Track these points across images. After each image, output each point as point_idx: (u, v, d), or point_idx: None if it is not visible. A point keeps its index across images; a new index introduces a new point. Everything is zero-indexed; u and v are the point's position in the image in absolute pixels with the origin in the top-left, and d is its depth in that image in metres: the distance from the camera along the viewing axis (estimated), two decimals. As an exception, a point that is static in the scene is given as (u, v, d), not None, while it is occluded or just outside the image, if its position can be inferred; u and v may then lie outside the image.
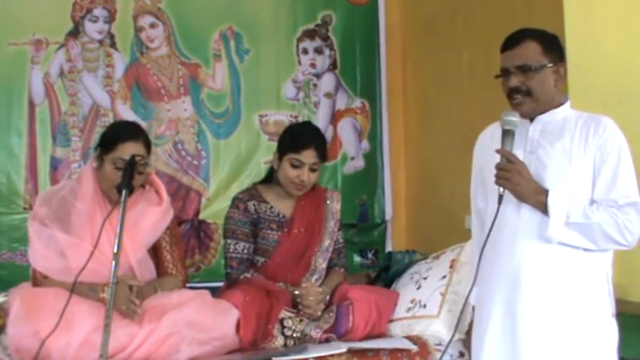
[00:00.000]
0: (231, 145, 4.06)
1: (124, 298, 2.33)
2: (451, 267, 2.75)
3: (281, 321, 2.57)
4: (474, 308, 2.22)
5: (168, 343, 2.33)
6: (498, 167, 1.96)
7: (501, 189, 1.95)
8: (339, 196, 2.93)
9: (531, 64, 2.00)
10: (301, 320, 2.60)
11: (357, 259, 4.18)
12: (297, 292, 2.64)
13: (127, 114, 3.91)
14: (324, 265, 2.82)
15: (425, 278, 2.80)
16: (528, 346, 1.97)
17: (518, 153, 2.01)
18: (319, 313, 2.63)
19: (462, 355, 2.56)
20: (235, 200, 2.84)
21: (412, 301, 2.73)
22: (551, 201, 1.92)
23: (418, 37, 4.13)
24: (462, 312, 2.21)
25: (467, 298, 2.08)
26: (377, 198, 4.25)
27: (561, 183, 1.96)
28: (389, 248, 4.18)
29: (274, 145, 2.91)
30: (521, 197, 1.97)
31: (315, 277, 2.77)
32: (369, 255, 4.22)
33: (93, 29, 3.92)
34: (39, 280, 2.49)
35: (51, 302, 2.30)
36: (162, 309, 2.40)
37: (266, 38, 4.13)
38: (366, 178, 4.25)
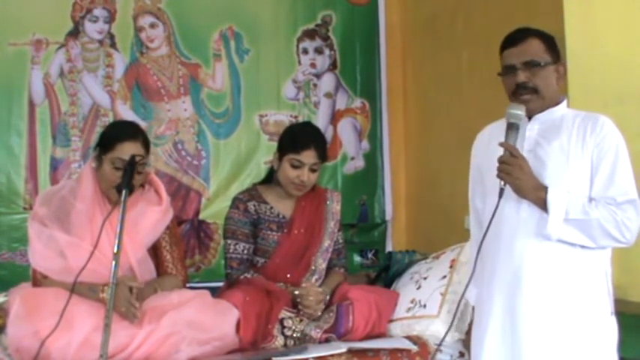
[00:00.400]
0: (231, 145, 4.06)
1: (124, 300, 2.33)
2: (451, 267, 2.75)
3: (281, 321, 2.57)
4: (473, 308, 2.22)
5: (168, 343, 2.33)
6: (501, 160, 1.96)
7: (502, 183, 1.96)
8: (339, 197, 2.94)
9: (539, 60, 2.01)
10: (301, 320, 2.60)
11: (357, 259, 4.18)
12: (297, 292, 2.64)
13: (127, 114, 3.91)
14: (324, 266, 2.82)
15: (425, 278, 2.80)
16: (529, 344, 1.97)
17: None
18: (319, 313, 2.63)
19: (462, 355, 2.56)
20: (235, 201, 2.84)
21: (412, 301, 2.73)
22: (551, 197, 1.93)
23: (418, 37, 4.13)
24: (457, 309, 2.20)
25: (462, 295, 2.08)
26: (377, 198, 4.25)
27: (559, 181, 1.96)
28: (389, 248, 4.18)
29: (274, 145, 2.91)
30: (521, 192, 1.97)
31: (315, 277, 2.77)
32: (369, 255, 4.22)
33: (93, 29, 3.92)
34: (39, 280, 2.49)
35: (51, 302, 2.30)
36: (162, 309, 2.40)
37: (266, 38, 4.12)
38: (366, 178, 4.25)
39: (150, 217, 2.61)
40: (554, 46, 2.07)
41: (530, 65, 2.01)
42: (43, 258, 2.49)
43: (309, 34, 4.21)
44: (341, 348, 2.43)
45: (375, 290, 2.86)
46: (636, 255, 2.42)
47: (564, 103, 2.10)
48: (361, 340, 2.58)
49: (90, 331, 2.26)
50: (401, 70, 4.29)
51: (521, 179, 1.95)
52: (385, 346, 2.50)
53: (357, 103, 4.26)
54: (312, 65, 4.20)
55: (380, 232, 4.26)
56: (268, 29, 4.13)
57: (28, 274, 2.57)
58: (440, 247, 2.97)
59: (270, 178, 2.88)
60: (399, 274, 3.01)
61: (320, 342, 2.55)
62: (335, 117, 4.22)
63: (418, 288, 2.78)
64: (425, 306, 2.67)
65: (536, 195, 1.95)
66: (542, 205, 1.94)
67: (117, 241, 2.13)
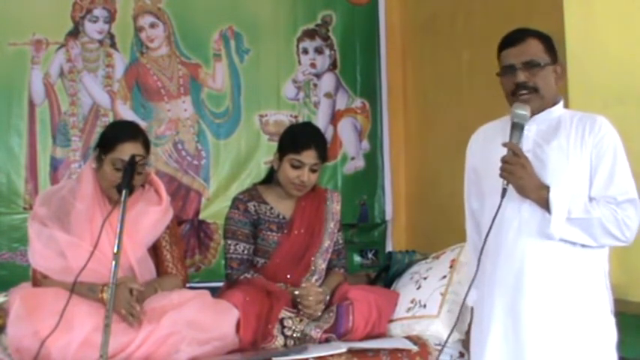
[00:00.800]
0: (231, 145, 4.06)
1: (124, 302, 2.33)
2: (451, 267, 2.75)
3: (281, 321, 2.57)
4: (472, 309, 2.22)
5: (168, 343, 2.33)
6: (504, 160, 1.96)
7: (505, 182, 1.96)
8: (339, 197, 2.93)
9: (539, 61, 2.02)
10: (301, 320, 2.60)
11: (357, 259, 4.18)
12: (297, 293, 2.64)
13: (127, 114, 3.91)
14: (324, 266, 2.82)
15: (425, 278, 2.80)
16: (532, 344, 1.97)
17: None
18: (319, 314, 2.63)
19: (461, 355, 2.56)
20: (235, 201, 2.84)
21: (412, 301, 2.73)
22: (553, 196, 1.93)
23: (418, 37, 4.13)
24: (460, 312, 2.20)
25: (465, 297, 2.08)
26: (377, 198, 4.25)
27: (560, 180, 1.96)
28: (389, 248, 4.18)
29: (274, 145, 2.91)
30: (523, 192, 1.97)
31: (315, 277, 2.77)
32: (369, 255, 4.22)
33: (93, 29, 3.92)
34: (39, 280, 2.49)
35: (51, 302, 2.30)
36: (162, 309, 2.40)
37: (266, 38, 4.13)
38: (366, 178, 4.25)
39: (150, 216, 2.61)
40: (552, 47, 2.08)
41: (529, 65, 2.01)
42: (42, 258, 2.49)
43: (309, 34, 4.21)
44: (341, 348, 2.43)
45: (375, 290, 2.85)
46: (636, 255, 2.42)
47: (561, 103, 2.10)
48: (361, 340, 2.58)
49: (90, 331, 2.26)
50: (401, 70, 4.29)
51: (524, 179, 1.95)
52: (385, 346, 2.50)
53: (357, 103, 4.26)
54: (312, 65, 4.20)
55: (380, 232, 4.26)
56: (268, 29, 4.13)
57: (28, 274, 2.57)
58: (440, 247, 2.97)
59: (271, 178, 2.88)
60: (399, 274, 3.01)
61: (320, 342, 2.55)
62: (335, 117, 4.22)
63: (418, 288, 2.78)
64: (425, 306, 2.67)
65: (539, 194, 1.95)
66: (544, 204, 1.95)
67: (117, 241, 2.13)
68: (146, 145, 2.57)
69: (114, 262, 2.11)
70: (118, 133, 2.56)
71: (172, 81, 4.02)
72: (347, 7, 4.26)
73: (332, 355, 2.41)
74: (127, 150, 2.46)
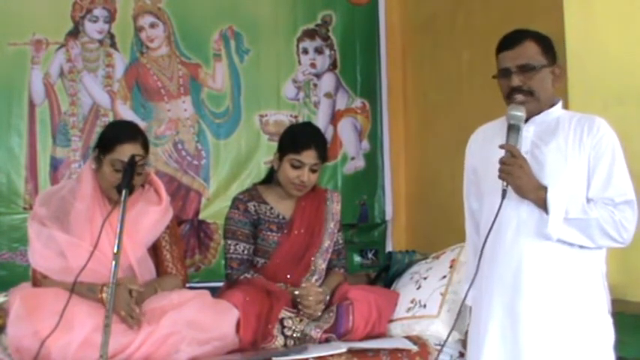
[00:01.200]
0: (231, 145, 4.06)
1: (124, 304, 2.33)
2: (451, 267, 2.75)
3: (281, 321, 2.57)
4: (470, 308, 2.22)
5: (168, 343, 2.33)
6: (502, 161, 1.97)
7: (504, 183, 1.96)
8: (339, 197, 2.93)
9: (534, 64, 2.02)
10: (301, 320, 2.60)
11: (357, 259, 4.18)
12: (297, 293, 2.64)
13: (127, 114, 3.92)
14: (324, 266, 2.82)
15: (425, 278, 2.80)
16: (530, 345, 1.97)
17: None
18: (319, 314, 2.63)
19: (461, 355, 2.55)
20: (235, 201, 2.84)
21: (412, 301, 2.73)
22: (551, 197, 1.93)
23: (418, 37, 4.13)
24: (459, 312, 2.20)
25: (464, 297, 2.08)
26: (377, 198, 4.25)
27: (558, 181, 1.97)
28: (389, 248, 4.18)
29: (274, 145, 2.91)
30: (522, 192, 1.97)
31: (315, 277, 2.78)
32: (369, 255, 4.22)
33: (93, 29, 3.93)
34: (39, 280, 2.49)
35: (51, 302, 2.30)
36: (162, 309, 2.40)
37: (266, 38, 4.13)
38: (366, 178, 4.25)
39: (150, 216, 2.61)
40: (550, 48, 2.08)
41: (525, 69, 2.02)
42: (42, 258, 2.49)
43: (309, 34, 4.21)
44: (341, 348, 2.43)
45: (375, 290, 2.86)
46: (635, 255, 2.42)
47: (559, 104, 2.10)
48: (361, 340, 2.58)
49: (90, 331, 2.26)
50: (401, 70, 4.29)
51: (522, 179, 1.95)
52: (385, 346, 2.50)
53: (357, 103, 4.26)
54: (312, 65, 4.20)
55: (380, 232, 4.26)
56: (268, 29, 4.14)
57: (28, 274, 2.57)
58: (440, 247, 2.97)
59: (271, 179, 2.88)
60: (399, 274, 3.01)
61: (320, 342, 2.55)
62: (335, 117, 4.22)
63: (418, 288, 2.78)
64: (425, 306, 2.67)
65: (537, 195, 1.96)
66: (542, 204, 1.95)
67: (117, 241, 2.13)
68: (145, 145, 2.57)
69: (114, 262, 2.11)
70: (117, 133, 2.56)
71: (172, 81, 4.02)
72: (347, 7, 4.26)
73: (332, 355, 2.40)
74: (126, 151, 2.46)
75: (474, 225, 2.22)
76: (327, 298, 2.71)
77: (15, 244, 3.68)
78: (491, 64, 2.17)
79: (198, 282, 3.53)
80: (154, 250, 2.66)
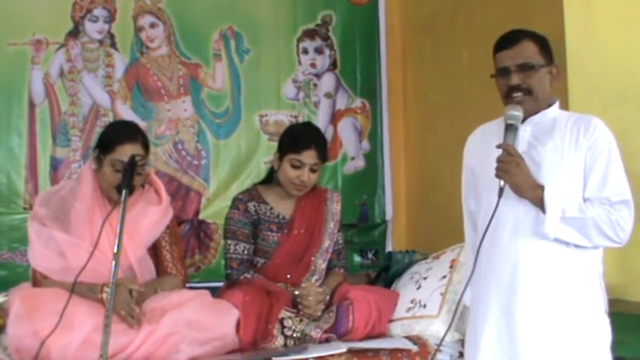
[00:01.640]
0: (231, 145, 4.06)
1: (124, 304, 2.33)
2: (451, 267, 2.75)
3: (281, 321, 2.57)
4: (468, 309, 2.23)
5: (168, 343, 2.33)
6: (498, 160, 1.97)
7: (502, 182, 1.96)
8: (339, 197, 2.93)
9: (533, 63, 2.02)
10: (301, 320, 2.60)
11: (357, 259, 4.18)
12: (297, 293, 2.64)
13: (127, 114, 3.92)
14: (324, 266, 2.82)
15: (425, 278, 2.80)
16: (526, 344, 1.97)
17: None
18: (319, 314, 2.63)
19: (461, 355, 2.55)
20: (235, 201, 2.84)
21: (412, 301, 2.73)
22: (548, 195, 1.93)
23: (418, 36, 4.13)
24: (455, 311, 2.20)
25: (461, 297, 2.08)
26: (377, 198, 4.25)
27: (554, 181, 1.97)
28: (389, 248, 4.18)
29: (274, 145, 2.91)
30: (519, 190, 1.97)
31: (315, 277, 2.78)
32: (369, 255, 4.22)
33: (93, 29, 3.93)
34: (39, 280, 2.50)
35: (51, 302, 2.30)
36: (162, 309, 2.40)
37: (266, 38, 4.13)
38: (366, 178, 4.25)
39: (150, 216, 2.61)
40: (547, 48, 2.08)
41: (523, 68, 2.02)
42: (42, 258, 2.49)
43: (309, 34, 4.21)
44: (341, 348, 2.43)
45: (375, 290, 2.86)
46: (635, 255, 2.43)
47: (556, 104, 2.11)
48: (361, 340, 2.57)
49: (90, 331, 2.26)
50: (401, 70, 4.29)
51: (519, 177, 1.95)
52: (385, 346, 2.50)
53: (357, 103, 4.26)
54: (312, 65, 4.20)
55: (380, 232, 4.26)
56: (268, 29, 4.14)
57: (28, 274, 2.57)
58: (440, 247, 2.97)
59: (271, 179, 2.88)
60: (399, 274, 3.01)
61: (320, 342, 2.55)
62: (335, 117, 4.23)
63: (418, 288, 2.78)
64: (425, 306, 2.67)
65: (534, 193, 1.96)
66: (539, 203, 1.95)
67: (117, 241, 2.13)
68: (145, 145, 2.57)
69: (114, 262, 2.11)
70: (117, 134, 2.56)
71: (172, 81, 4.02)
72: (347, 7, 4.26)
73: (332, 355, 2.40)
74: (127, 151, 2.46)
75: (472, 225, 2.23)
76: (327, 298, 2.71)
77: (15, 244, 3.68)
78: (491, 64, 2.17)
79: (198, 282, 3.53)
80: (154, 250, 2.66)
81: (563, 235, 1.94)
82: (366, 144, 4.26)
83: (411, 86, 4.23)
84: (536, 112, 2.06)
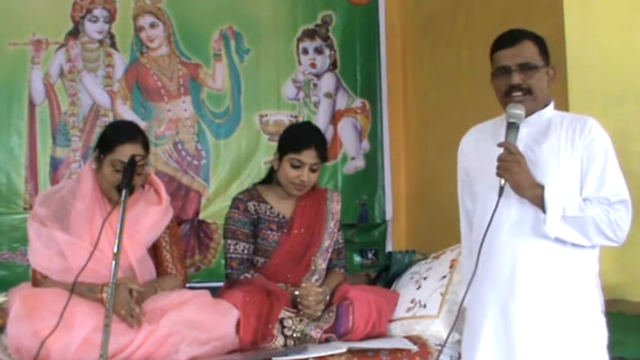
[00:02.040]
0: (231, 145, 4.07)
1: (124, 303, 2.34)
2: (451, 267, 2.75)
3: (281, 321, 2.57)
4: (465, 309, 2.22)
5: (168, 343, 2.33)
6: (500, 158, 1.97)
7: (502, 181, 1.96)
8: (339, 197, 2.93)
9: (535, 63, 2.02)
10: (301, 320, 2.60)
11: (357, 259, 4.18)
12: (297, 293, 2.64)
13: (127, 114, 3.92)
14: (324, 266, 2.82)
15: (425, 278, 2.80)
16: (523, 344, 1.97)
17: None
18: (319, 314, 2.63)
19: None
20: (235, 200, 2.84)
21: (412, 301, 2.73)
22: (548, 195, 1.93)
23: (418, 37, 4.13)
24: (458, 312, 2.20)
25: (463, 298, 2.07)
26: (377, 198, 4.25)
27: (551, 181, 1.97)
28: (389, 248, 4.18)
29: (274, 145, 2.91)
30: (519, 189, 1.97)
31: (315, 277, 2.78)
32: (369, 255, 4.22)
33: (93, 29, 3.93)
34: (39, 280, 2.50)
35: (51, 302, 2.30)
36: (162, 309, 2.41)
37: (266, 38, 4.13)
38: (367, 178, 4.25)
39: (149, 216, 2.61)
40: (545, 49, 2.08)
41: (525, 67, 2.01)
42: (42, 258, 2.49)
43: (309, 34, 4.21)
44: (341, 348, 2.43)
45: (375, 290, 2.86)
46: (634, 256, 2.43)
47: (552, 105, 2.11)
48: (361, 340, 2.57)
49: (90, 331, 2.26)
50: (401, 70, 4.29)
51: (520, 175, 1.95)
52: (385, 346, 2.50)
53: (358, 103, 4.27)
54: (312, 65, 4.21)
55: (380, 232, 4.26)
56: (268, 29, 4.14)
57: (28, 274, 2.58)
58: (440, 247, 2.97)
59: (271, 178, 2.88)
60: (399, 274, 3.01)
61: (320, 342, 2.55)
62: (335, 117, 4.23)
63: (418, 288, 2.78)
64: (425, 306, 2.67)
65: (534, 192, 1.96)
66: (539, 202, 1.95)
67: (117, 241, 2.13)
68: (145, 145, 2.57)
69: (114, 262, 2.11)
70: (117, 134, 2.56)
71: (172, 81, 4.02)
72: (347, 7, 4.26)
73: (332, 355, 2.40)
74: (127, 151, 2.46)
75: (468, 226, 2.22)
76: (327, 298, 2.71)
77: (15, 244, 3.68)
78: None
79: (198, 282, 3.52)
80: (154, 250, 2.66)
81: (563, 234, 1.95)
82: (366, 144, 4.27)
83: (411, 86, 4.23)
84: (533, 113, 2.06)
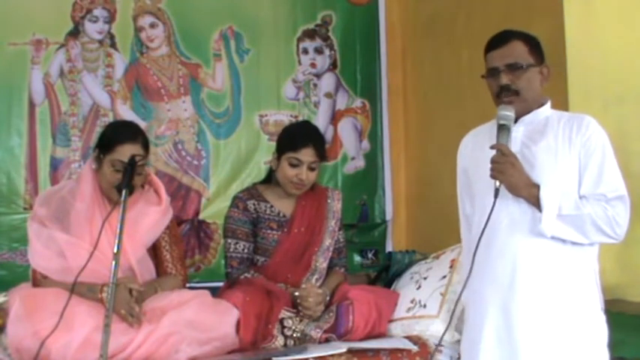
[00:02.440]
0: (231, 145, 4.06)
1: (124, 303, 2.34)
2: (451, 267, 2.75)
3: (281, 321, 2.57)
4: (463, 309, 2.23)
5: (168, 343, 2.33)
6: (493, 160, 1.97)
7: (497, 183, 1.96)
8: (339, 196, 2.93)
9: (522, 63, 2.03)
10: (301, 320, 2.60)
11: (357, 259, 4.18)
12: (297, 294, 2.64)
13: (127, 114, 3.91)
14: (325, 265, 2.82)
15: (425, 278, 2.80)
16: (526, 342, 1.97)
17: None
18: (319, 314, 2.63)
19: (461, 355, 2.55)
20: (235, 199, 2.84)
21: (412, 301, 2.73)
22: (544, 193, 1.94)
23: (418, 37, 4.13)
24: (453, 312, 2.21)
25: (458, 297, 2.07)
26: (377, 198, 4.25)
27: (548, 180, 1.97)
28: (389, 248, 4.18)
29: (274, 145, 2.91)
30: (514, 189, 1.98)
31: (316, 276, 2.77)
32: (369, 255, 4.22)
33: (93, 29, 3.93)
34: (39, 281, 2.50)
35: (51, 302, 2.31)
36: (162, 309, 2.41)
37: (266, 38, 4.13)
38: (367, 178, 4.25)
39: (149, 217, 2.61)
40: (538, 48, 2.09)
41: (512, 68, 2.03)
42: (42, 258, 2.49)
43: (309, 34, 4.21)
44: (341, 348, 2.43)
45: (375, 290, 2.86)
46: (634, 255, 2.43)
47: (548, 104, 2.11)
48: (361, 340, 2.57)
49: (90, 331, 2.26)
50: (401, 70, 4.29)
51: (514, 176, 1.96)
52: (385, 346, 2.50)
53: (358, 103, 4.26)
54: (312, 65, 4.21)
55: (380, 232, 4.26)
56: (268, 29, 4.14)
57: (28, 274, 2.57)
58: (440, 247, 2.97)
59: (270, 178, 2.88)
60: (399, 274, 3.01)
61: (320, 342, 2.55)
62: (335, 117, 4.23)
63: (418, 288, 2.78)
64: (425, 306, 2.67)
65: (529, 192, 1.96)
66: (535, 201, 1.96)
67: (117, 241, 2.13)
68: (145, 145, 2.57)
69: (114, 262, 2.11)
70: (117, 134, 2.56)
71: (172, 81, 4.02)
72: (347, 7, 4.26)
73: (332, 355, 2.40)
74: (126, 151, 2.46)
75: (468, 227, 2.23)
76: (327, 298, 2.71)
77: (15, 244, 3.68)
78: (491, 64, 2.17)
79: (198, 282, 3.52)
80: (154, 250, 2.66)
81: (560, 232, 1.95)
82: (366, 144, 4.27)
83: (411, 86, 4.23)
84: (528, 112, 2.07)
